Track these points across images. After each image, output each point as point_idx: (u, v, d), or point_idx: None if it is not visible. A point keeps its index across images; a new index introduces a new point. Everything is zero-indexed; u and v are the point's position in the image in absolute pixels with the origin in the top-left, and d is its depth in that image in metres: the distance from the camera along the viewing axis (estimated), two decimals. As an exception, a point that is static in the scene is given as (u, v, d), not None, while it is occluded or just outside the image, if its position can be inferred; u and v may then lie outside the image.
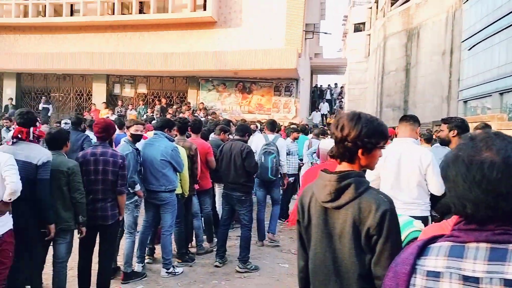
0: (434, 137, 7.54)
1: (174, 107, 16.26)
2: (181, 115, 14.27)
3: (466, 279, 0.98)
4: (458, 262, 1.00)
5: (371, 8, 38.93)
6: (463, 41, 23.25)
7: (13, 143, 3.49)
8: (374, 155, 1.74)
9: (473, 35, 21.89)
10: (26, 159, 3.37)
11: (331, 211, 1.73)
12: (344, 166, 1.76)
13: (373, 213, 1.61)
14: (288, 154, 7.08)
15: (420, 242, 1.10)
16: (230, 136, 6.48)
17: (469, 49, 22.52)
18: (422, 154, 3.51)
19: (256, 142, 6.49)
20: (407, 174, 3.51)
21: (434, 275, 1.02)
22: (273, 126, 6.70)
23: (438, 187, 3.40)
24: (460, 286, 0.98)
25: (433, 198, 3.51)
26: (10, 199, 3.08)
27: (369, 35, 38.21)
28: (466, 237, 1.03)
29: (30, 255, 3.55)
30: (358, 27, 40.98)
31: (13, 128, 5.84)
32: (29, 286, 3.75)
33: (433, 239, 1.10)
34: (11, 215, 3.22)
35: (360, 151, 1.71)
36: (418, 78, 27.80)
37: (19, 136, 3.48)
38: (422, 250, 1.08)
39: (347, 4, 48.14)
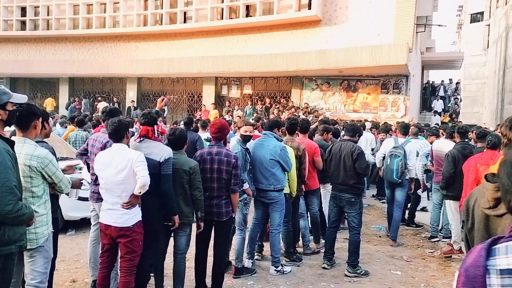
0: None
1: (278, 106, 16.47)
2: (283, 114, 14.45)
3: None
4: None
5: (491, -5, 35.22)
6: None
7: (140, 141, 3.83)
8: None
9: None
10: (150, 157, 3.67)
11: (493, 217, 1.68)
12: None
13: None
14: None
15: (484, 245, 1.15)
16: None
17: None
18: None
19: (385, 145, 6.84)
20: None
21: (509, 272, 1.07)
22: (406, 129, 6.89)
23: None
24: None
25: None
26: (140, 192, 3.38)
27: (488, 25, 34.60)
28: None
29: (155, 245, 3.86)
30: (475, 17, 37.39)
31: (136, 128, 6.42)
32: (153, 274, 4.10)
33: (494, 241, 1.16)
34: (140, 207, 3.54)
35: None
36: (548, 71, 24.41)
37: (146, 134, 3.81)
38: (489, 252, 1.13)
39: (463, -7, 44.21)
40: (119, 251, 3.58)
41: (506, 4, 29.98)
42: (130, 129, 3.75)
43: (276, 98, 18.01)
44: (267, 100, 17.46)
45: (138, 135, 3.87)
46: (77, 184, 3.56)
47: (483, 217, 1.72)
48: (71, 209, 6.04)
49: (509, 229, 1.18)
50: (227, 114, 16.20)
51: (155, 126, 3.86)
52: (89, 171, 4.21)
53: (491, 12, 35.44)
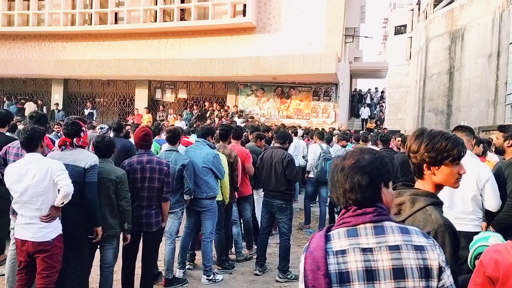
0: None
1: (215, 111, 16.43)
2: (219, 121, 14.43)
3: (364, 250, 1.35)
4: (356, 239, 1.37)
5: (412, 10, 37.86)
6: (511, 43, 22.16)
7: (62, 150, 3.61)
8: (442, 170, 1.81)
9: (522, 37, 20.79)
10: (75, 163, 3.48)
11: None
12: (417, 183, 1.89)
13: None
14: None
15: (322, 232, 1.43)
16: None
17: (517, 52, 21.42)
18: (481, 168, 3.32)
19: (312, 150, 7.61)
20: (462, 187, 3.35)
21: (342, 252, 1.36)
22: (322, 135, 7.90)
23: (495, 204, 3.23)
24: (361, 256, 1.35)
25: (489, 214, 3.34)
26: (62, 203, 3.19)
27: (411, 37, 37.12)
28: (355, 221, 1.40)
29: (78, 259, 3.66)
30: (399, 30, 39.91)
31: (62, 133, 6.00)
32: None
33: (329, 229, 1.45)
34: (60, 220, 3.34)
35: (425, 165, 1.82)
36: (462, 82, 26.61)
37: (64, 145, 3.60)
38: (326, 237, 1.41)
39: (388, 7, 47.04)
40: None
41: (426, 18, 32.34)
42: (48, 135, 3.53)
43: (212, 103, 17.96)
44: (207, 104, 17.37)
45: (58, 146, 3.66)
46: None
47: None
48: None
49: (338, 220, 1.46)
50: (179, 117, 15.88)
51: (75, 139, 3.62)
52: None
53: (413, 25, 38.04)
